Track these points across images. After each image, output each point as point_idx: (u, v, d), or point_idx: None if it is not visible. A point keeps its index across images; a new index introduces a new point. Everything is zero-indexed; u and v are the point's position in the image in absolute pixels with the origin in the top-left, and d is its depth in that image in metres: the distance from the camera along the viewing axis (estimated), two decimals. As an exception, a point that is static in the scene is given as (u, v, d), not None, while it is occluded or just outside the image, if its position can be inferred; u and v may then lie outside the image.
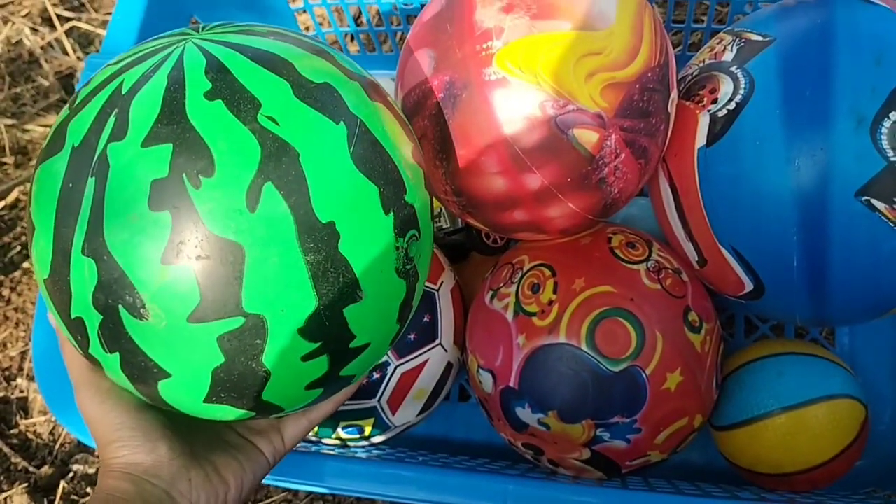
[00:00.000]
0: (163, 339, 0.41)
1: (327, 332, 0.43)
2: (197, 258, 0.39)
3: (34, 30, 1.27)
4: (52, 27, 1.27)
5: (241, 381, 0.43)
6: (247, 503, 0.84)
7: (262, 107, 0.41)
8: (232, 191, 0.39)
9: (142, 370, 0.43)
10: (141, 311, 0.40)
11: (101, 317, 0.41)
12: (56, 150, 0.43)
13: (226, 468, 0.48)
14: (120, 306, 0.40)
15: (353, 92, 0.46)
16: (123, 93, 0.42)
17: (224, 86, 0.41)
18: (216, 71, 0.42)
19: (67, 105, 0.45)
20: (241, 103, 0.41)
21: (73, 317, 0.43)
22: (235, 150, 0.40)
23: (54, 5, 1.28)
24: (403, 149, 0.48)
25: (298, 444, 0.70)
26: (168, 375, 0.42)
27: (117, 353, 0.42)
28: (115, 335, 0.41)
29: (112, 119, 0.41)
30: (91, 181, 0.40)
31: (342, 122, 0.43)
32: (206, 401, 0.44)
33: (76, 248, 0.41)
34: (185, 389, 0.43)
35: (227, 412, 0.46)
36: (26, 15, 1.29)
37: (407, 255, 0.46)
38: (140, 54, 0.44)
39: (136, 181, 0.39)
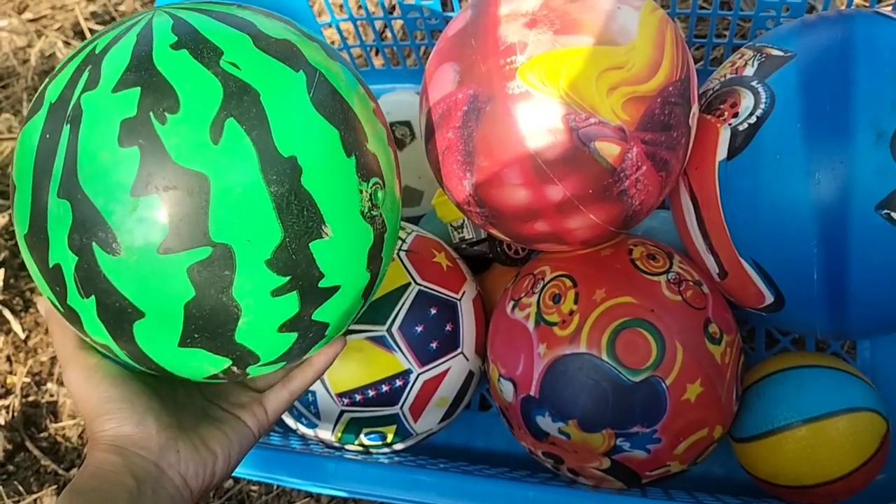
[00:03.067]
0: (135, 273, 0.42)
1: (295, 266, 0.44)
2: (165, 189, 0.41)
3: (67, 43, 1.30)
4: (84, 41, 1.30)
5: (213, 318, 0.44)
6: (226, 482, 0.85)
7: (224, 54, 0.44)
8: (196, 125, 0.42)
9: (117, 312, 0.44)
10: (113, 245, 0.41)
11: (77, 258, 0.43)
12: (35, 110, 0.45)
13: (212, 439, 0.49)
14: (94, 244, 0.42)
15: (313, 49, 0.48)
16: (97, 52, 0.45)
17: (189, 38, 0.44)
18: (182, 27, 0.45)
19: (48, 77, 0.48)
20: (205, 51, 0.44)
21: (51, 265, 0.44)
22: (199, 90, 0.42)
23: (86, 19, 1.31)
24: (364, 104, 0.50)
25: (322, 450, 0.71)
26: (142, 315, 0.44)
27: (93, 297, 0.44)
28: (89, 276, 0.43)
29: (86, 74, 0.44)
30: (66, 128, 0.43)
31: (302, 71, 0.46)
32: (180, 344, 0.45)
33: (52, 193, 0.43)
34: (160, 330, 0.44)
35: (203, 358, 0.46)
36: (59, 28, 1.32)
37: (372, 201, 0.48)
38: (113, 25, 0.48)
39: (107, 122, 0.42)
